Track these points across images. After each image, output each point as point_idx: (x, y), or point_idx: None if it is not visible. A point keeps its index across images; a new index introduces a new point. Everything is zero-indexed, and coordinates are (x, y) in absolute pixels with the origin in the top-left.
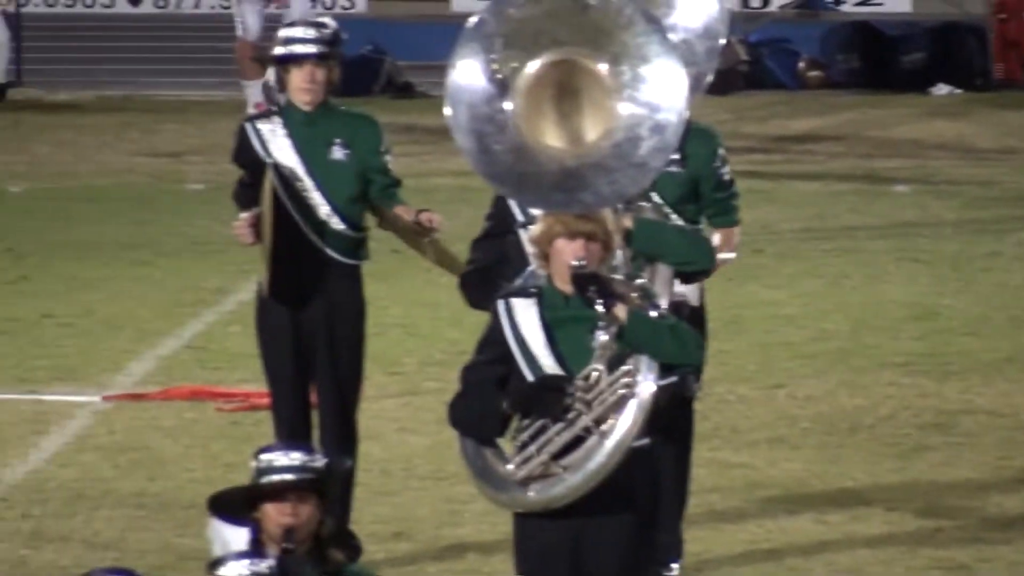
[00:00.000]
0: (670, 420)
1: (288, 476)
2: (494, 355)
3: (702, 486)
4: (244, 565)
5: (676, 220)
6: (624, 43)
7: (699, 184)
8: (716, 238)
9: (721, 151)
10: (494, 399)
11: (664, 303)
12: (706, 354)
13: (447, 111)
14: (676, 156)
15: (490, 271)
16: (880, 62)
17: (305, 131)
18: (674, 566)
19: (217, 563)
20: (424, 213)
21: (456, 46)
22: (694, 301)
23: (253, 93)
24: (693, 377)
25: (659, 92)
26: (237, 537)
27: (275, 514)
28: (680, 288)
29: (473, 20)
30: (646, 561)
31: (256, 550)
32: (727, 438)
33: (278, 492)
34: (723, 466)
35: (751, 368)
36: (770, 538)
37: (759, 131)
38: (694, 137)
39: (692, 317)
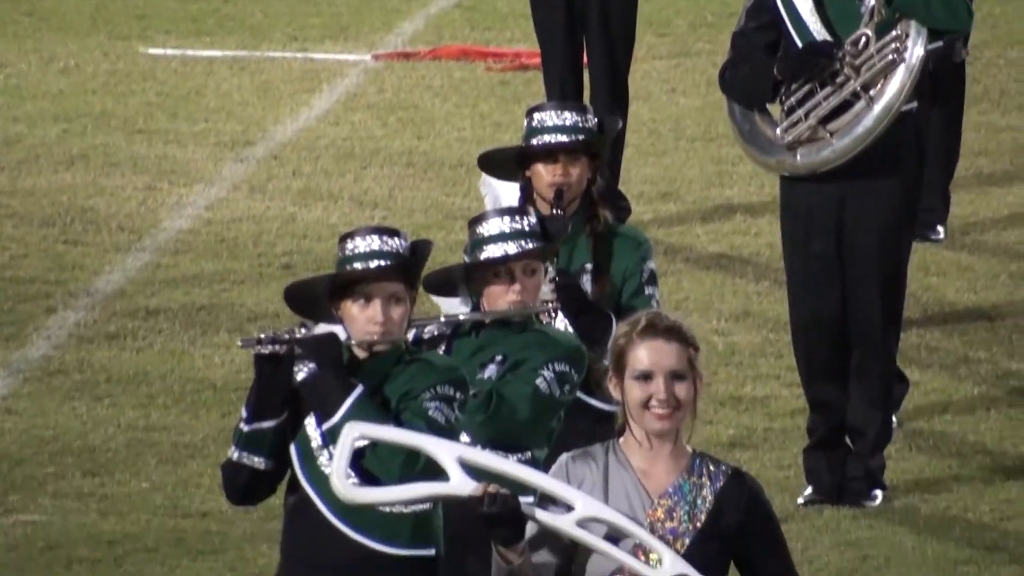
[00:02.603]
0: (939, 84)
1: (560, 137)
2: (763, 21)
3: (970, 149)
4: (505, 222)
5: None
6: None
7: None
8: None
9: None
10: (765, 65)
11: None
12: (975, 18)
13: None
14: None
15: None
16: None
17: None
18: (940, 228)
19: (479, 219)
20: None
21: None
22: None
23: None
24: (961, 42)
25: None
26: (509, 192)
27: (545, 174)
28: None
29: None
30: (909, 224)
31: (524, 208)
32: (996, 101)
33: (549, 152)
34: (992, 129)
35: (1021, 30)
36: None
37: None
38: None
39: None
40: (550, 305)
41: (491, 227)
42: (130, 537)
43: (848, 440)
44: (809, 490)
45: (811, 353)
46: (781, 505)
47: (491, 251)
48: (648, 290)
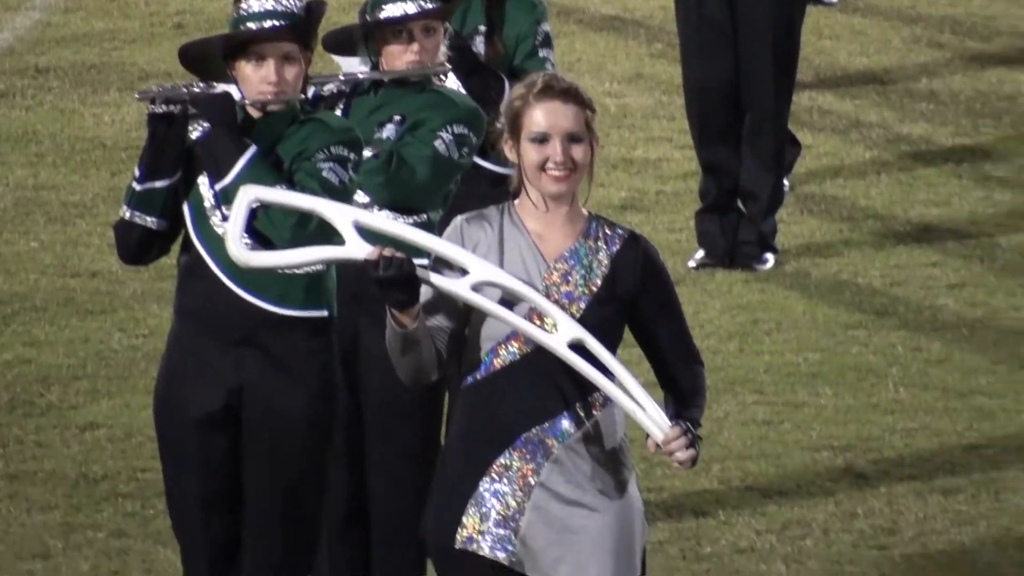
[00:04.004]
0: None
1: None
2: None
3: None
4: None
5: None
6: None
7: None
8: None
9: None
10: None
11: None
12: None
13: None
14: None
15: None
16: None
17: None
18: None
19: None
20: None
21: None
22: None
23: None
24: None
25: None
26: None
27: None
28: None
29: None
30: None
31: None
32: None
33: None
34: None
35: None
36: None
37: None
38: None
39: None
40: (448, 66)
41: None
42: (18, 296)
43: (740, 203)
44: (701, 253)
45: (704, 116)
46: (673, 268)
47: (390, 10)
48: (542, 52)
